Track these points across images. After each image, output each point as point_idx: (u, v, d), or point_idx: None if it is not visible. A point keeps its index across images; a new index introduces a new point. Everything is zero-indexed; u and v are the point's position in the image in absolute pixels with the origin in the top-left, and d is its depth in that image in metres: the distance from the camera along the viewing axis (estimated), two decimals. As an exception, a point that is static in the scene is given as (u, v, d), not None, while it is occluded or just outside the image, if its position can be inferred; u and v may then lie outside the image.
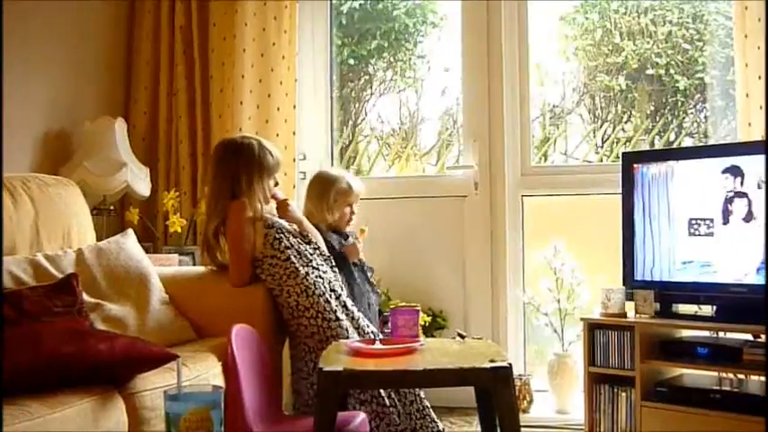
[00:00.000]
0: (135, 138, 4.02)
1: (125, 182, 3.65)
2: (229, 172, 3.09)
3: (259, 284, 3.06)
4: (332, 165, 4.32)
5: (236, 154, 3.12)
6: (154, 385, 2.36)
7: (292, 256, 3.04)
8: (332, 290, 3.07)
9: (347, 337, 2.90)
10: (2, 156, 2.39)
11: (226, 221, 3.07)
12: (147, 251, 3.27)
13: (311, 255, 3.11)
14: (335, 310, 3.02)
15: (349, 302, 3.12)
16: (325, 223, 3.47)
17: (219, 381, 2.63)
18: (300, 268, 3.03)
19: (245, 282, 3.07)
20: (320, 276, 3.07)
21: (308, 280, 3.02)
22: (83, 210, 3.24)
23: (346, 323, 3.01)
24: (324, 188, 3.50)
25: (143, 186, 3.79)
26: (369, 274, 3.51)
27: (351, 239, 3.51)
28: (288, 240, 3.07)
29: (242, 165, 3.09)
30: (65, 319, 2.42)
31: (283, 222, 3.15)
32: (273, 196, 3.21)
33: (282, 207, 3.19)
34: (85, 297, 2.68)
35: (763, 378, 3.02)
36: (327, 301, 3.02)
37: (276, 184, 3.20)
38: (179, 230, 3.83)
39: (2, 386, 1.94)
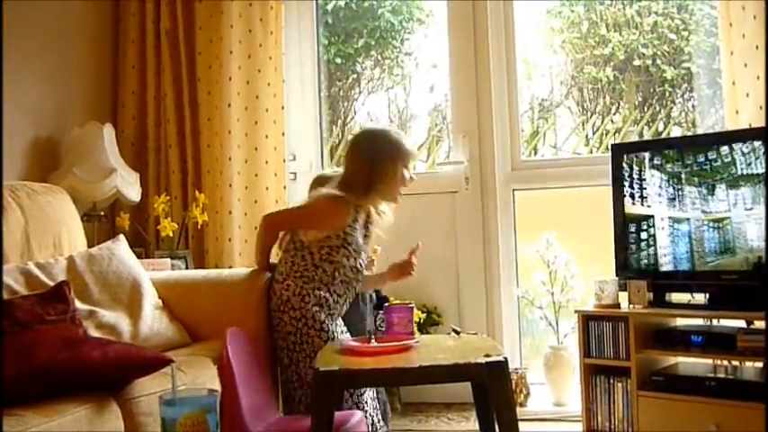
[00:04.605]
0: (124, 143, 4.00)
1: (115, 187, 3.64)
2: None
3: (254, 287, 3.01)
4: (321, 164, 4.31)
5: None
6: (149, 391, 2.35)
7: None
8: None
9: (325, 342, 2.75)
10: (2, 159, 2.38)
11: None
12: (138, 256, 3.26)
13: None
14: (324, 320, 2.83)
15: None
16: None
17: (215, 384, 2.62)
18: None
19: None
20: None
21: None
22: (73, 216, 3.23)
23: (328, 333, 2.83)
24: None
25: (133, 191, 3.77)
26: (370, 306, 3.40)
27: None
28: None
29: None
30: (58, 328, 2.40)
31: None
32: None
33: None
34: (78, 304, 2.67)
35: (758, 364, 3.03)
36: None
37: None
38: (170, 235, 3.81)
39: (2, 388, 1.94)
